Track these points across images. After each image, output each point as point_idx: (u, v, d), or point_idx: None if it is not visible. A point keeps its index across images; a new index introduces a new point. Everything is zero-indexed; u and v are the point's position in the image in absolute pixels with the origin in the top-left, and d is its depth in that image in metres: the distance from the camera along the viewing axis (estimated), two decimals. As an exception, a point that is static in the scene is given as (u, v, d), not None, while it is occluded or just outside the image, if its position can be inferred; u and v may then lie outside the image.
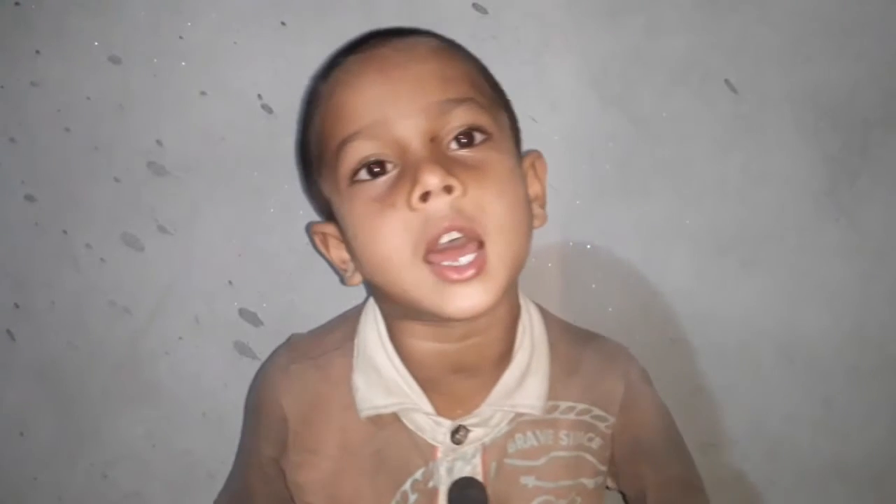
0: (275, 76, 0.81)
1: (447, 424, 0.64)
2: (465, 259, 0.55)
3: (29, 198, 0.84)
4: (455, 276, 0.55)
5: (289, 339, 0.74)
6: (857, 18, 0.82)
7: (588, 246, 0.84)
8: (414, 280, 0.56)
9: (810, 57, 0.82)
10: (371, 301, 0.70)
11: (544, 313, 0.71)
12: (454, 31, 0.75)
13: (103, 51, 0.81)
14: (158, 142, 0.82)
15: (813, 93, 0.82)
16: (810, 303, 0.86)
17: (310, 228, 0.68)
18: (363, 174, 0.58)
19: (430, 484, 0.65)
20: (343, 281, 0.68)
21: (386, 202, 0.56)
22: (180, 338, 0.86)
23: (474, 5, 0.80)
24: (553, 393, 0.66)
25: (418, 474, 0.65)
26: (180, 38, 0.80)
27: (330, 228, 0.65)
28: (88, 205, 0.84)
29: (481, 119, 0.58)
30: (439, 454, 0.65)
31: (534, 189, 0.66)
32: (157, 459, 0.89)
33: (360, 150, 0.57)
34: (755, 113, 0.82)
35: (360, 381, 0.66)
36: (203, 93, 0.81)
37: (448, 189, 0.54)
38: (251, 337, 0.86)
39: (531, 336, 0.67)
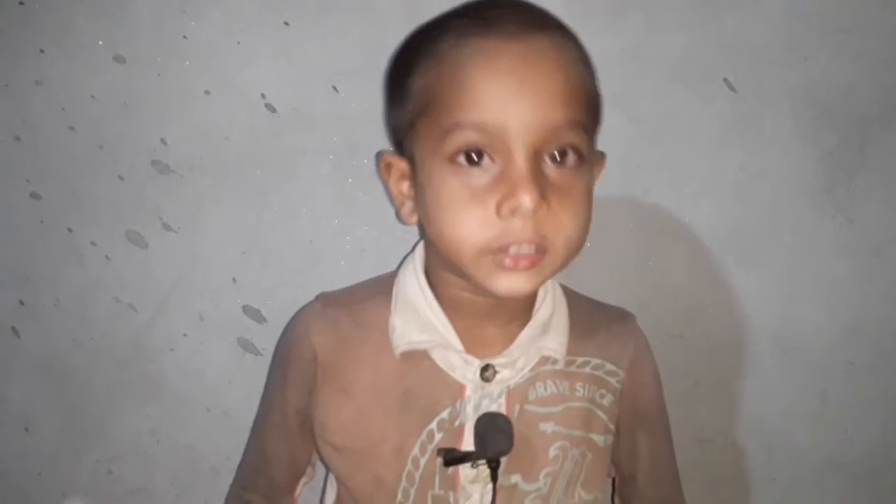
0: (278, 75, 0.81)
1: (476, 363, 0.69)
2: (524, 251, 0.60)
3: (34, 196, 0.85)
4: (510, 263, 0.60)
5: (319, 295, 0.76)
6: (855, 18, 0.82)
7: (588, 243, 0.85)
8: (473, 262, 0.61)
9: (808, 56, 0.83)
10: (412, 256, 0.73)
11: (562, 285, 0.77)
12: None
13: (108, 50, 0.81)
14: (163, 140, 0.83)
15: (811, 91, 0.83)
16: (807, 299, 0.87)
17: (380, 155, 0.70)
18: (461, 158, 0.60)
19: (457, 422, 0.69)
20: (398, 215, 0.69)
21: (476, 196, 0.60)
22: (185, 334, 0.87)
23: (475, 5, 0.80)
24: (571, 348, 0.72)
25: (445, 414, 0.69)
26: (184, 37, 0.81)
27: (401, 164, 0.67)
28: (93, 203, 0.84)
29: (582, 144, 0.62)
30: (467, 392, 0.69)
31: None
32: (161, 455, 0.89)
33: (470, 139, 0.60)
34: (753, 111, 0.83)
35: (397, 320, 0.70)
36: (207, 92, 0.82)
37: (536, 210, 0.59)
38: (255, 333, 0.87)
39: (553, 295, 0.73)
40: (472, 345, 0.69)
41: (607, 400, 0.73)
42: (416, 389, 0.69)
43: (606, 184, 0.83)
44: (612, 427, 0.74)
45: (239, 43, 0.81)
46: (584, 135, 0.62)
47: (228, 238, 0.85)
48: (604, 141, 0.82)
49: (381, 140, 0.82)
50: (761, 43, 0.82)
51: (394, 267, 0.80)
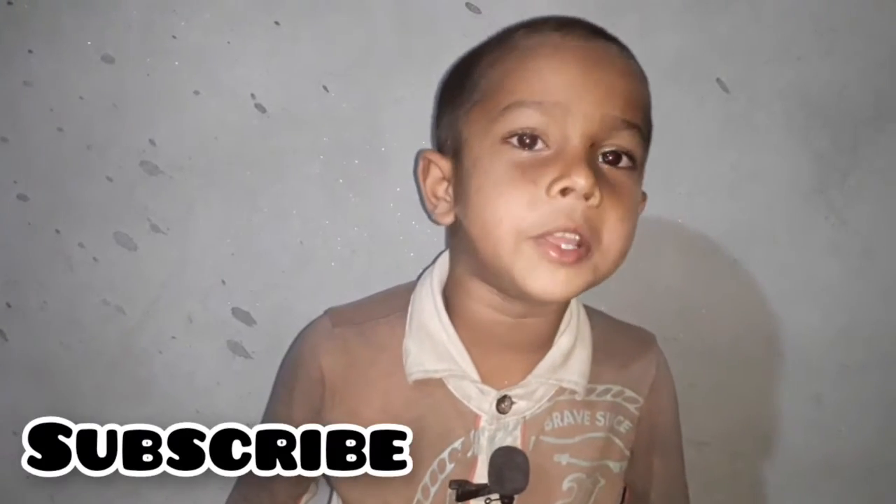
0: (268, 76, 0.81)
1: (493, 393, 0.66)
2: (569, 246, 0.57)
3: (22, 197, 0.84)
4: (554, 254, 0.57)
5: (328, 310, 0.74)
6: (847, 18, 0.82)
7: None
8: (513, 246, 0.58)
9: (801, 56, 0.82)
10: (430, 272, 0.71)
11: (580, 301, 0.74)
12: (447, 31, 0.75)
13: (96, 50, 0.81)
14: (151, 141, 0.82)
15: (803, 92, 0.83)
16: (801, 300, 0.87)
17: (422, 152, 0.68)
18: (514, 140, 0.59)
19: (470, 453, 0.67)
20: (430, 216, 0.68)
21: (527, 175, 0.57)
22: (173, 337, 0.86)
23: (468, 5, 0.80)
24: (592, 375, 0.69)
25: (457, 443, 0.67)
26: (173, 37, 0.80)
27: (443, 163, 0.66)
28: (81, 204, 0.84)
29: (637, 149, 0.61)
30: (482, 423, 0.67)
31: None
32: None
33: (528, 120, 0.58)
34: (746, 112, 0.83)
35: (412, 345, 0.67)
36: (196, 92, 0.81)
37: (587, 196, 0.56)
38: (244, 336, 0.86)
39: (577, 320, 0.70)
40: (489, 373, 0.67)
41: (624, 427, 0.71)
42: (428, 417, 0.67)
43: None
44: (627, 453, 0.72)
45: (229, 43, 0.80)
46: (639, 141, 0.61)
47: (218, 239, 0.84)
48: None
49: (372, 140, 0.81)
50: (754, 43, 0.82)
51: (385, 268, 0.80)
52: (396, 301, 0.71)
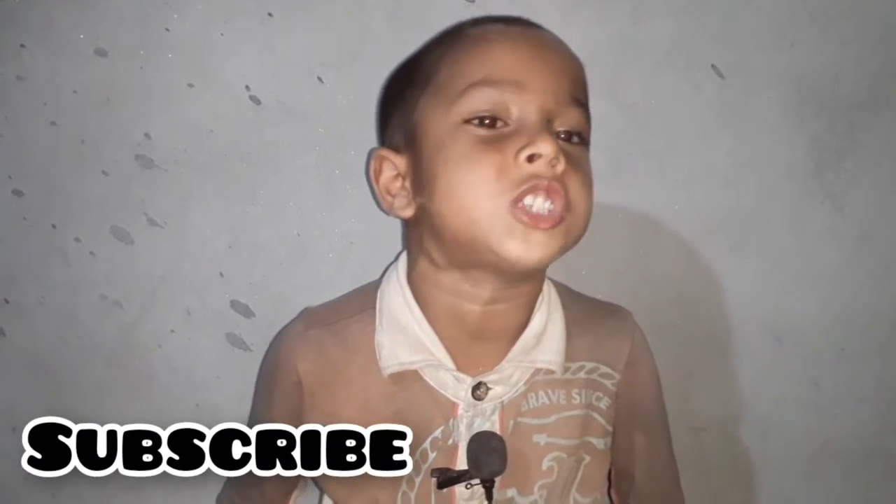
0: (262, 67, 0.81)
1: (468, 381, 0.67)
2: (547, 208, 0.58)
3: (17, 192, 0.84)
4: (527, 219, 0.58)
5: (302, 311, 0.75)
6: (841, 4, 0.82)
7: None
8: (489, 214, 0.58)
9: (796, 42, 0.82)
10: (394, 267, 0.71)
11: (553, 281, 0.74)
12: (443, 20, 0.75)
13: (89, 44, 0.80)
14: (146, 134, 0.82)
15: (798, 77, 0.83)
16: (798, 286, 0.87)
17: (373, 151, 0.69)
18: (475, 121, 0.60)
19: (450, 441, 0.67)
20: (386, 210, 0.68)
21: (493, 146, 0.59)
22: (172, 330, 0.86)
23: (461, -7, 0.80)
24: (566, 354, 0.70)
25: (438, 432, 0.68)
26: (167, 30, 0.80)
27: (397, 159, 0.66)
28: (77, 199, 0.84)
29: (586, 127, 0.64)
30: (460, 410, 0.67)
31: None
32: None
33: (489, 98, 0.60)
34: (741, 97, 0.83)
35: (384, 339, 0.68)
36: (190, 85, 0.81)
37: (554, 163, 0.58)
38: (243, 328, 0.86)
39: (548, 301, 0.70)
40: (463, 361, 0.67)
41: (604, 403, 0.72)
42: (406, 409, 0.68)
43: (595, 172, 0.83)
44: (609, 429, 0.72)
45: (222, 35, 0.80)
46: (586, 120, 0.64)
47: (215, 232, 0.84)
48: (593, 130, 0.82)
49: (367, 131, 0.81)
50: (749, 29, 0.82)
51: (383, 259, 0.79)
52: (366, 298, 0.71)
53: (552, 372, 0.69)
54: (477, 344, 0.67)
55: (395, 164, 0.66)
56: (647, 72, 0.82)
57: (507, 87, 0.60)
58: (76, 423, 0.86)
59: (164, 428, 0.87)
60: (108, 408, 0.88)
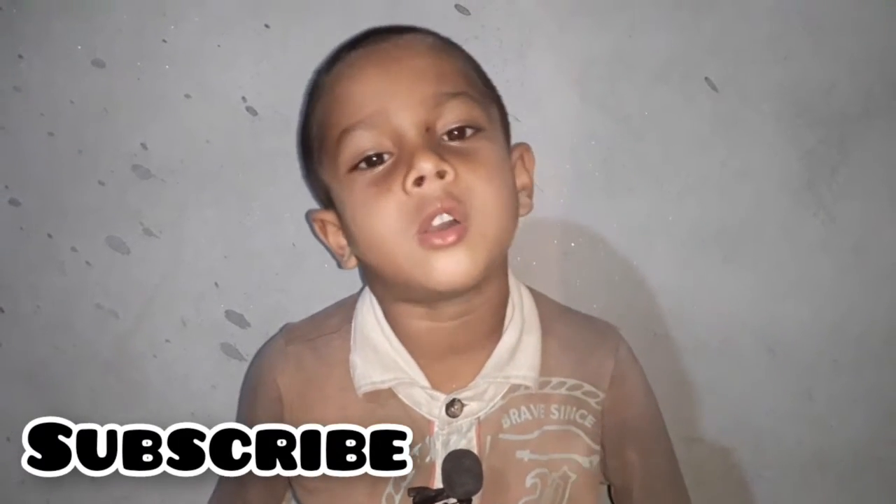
0: (259, 78, 0.81)
1: (442, 398, 0.66)
2: (443, 221, 0.59)
3: (13, 202, 0.84)
4: (438, 241, 0.58)
5: (283, 327, 0.76)
6: (835, 17, 0.82)
7: (572, 244, 0.85)
8: (405, 254, 0.59)
9: (789, 54, 0.83)
10: (367, 287, 0.72)
11: (536, 294, 0.74)
12: (439, 32, 0.75)
13: (87, 54, 0.81)
14: (143, 145, 0.82)
15: (792, 89, 0.83)
16: (791, 297, 0.87)
17: (309, 215, 0.72)
18: (362, 164, 0.61)
19: (427, 458, 0.67)
20: (339, 265, 0.71)
21: (382, 186, 0.59)
22: (167, 340, 0.86)
23: (457, 6, 0.80)
24: (545, 368, 0.69)
25: (415, 450, 0.67)
26: (164, 41, 0.80)
27: (329, 216, 0.68)
28: (73, 208, 0.84)
29: (474, 112, 0.62)
30: (435, 428, 0.67)
31: (521, 180, 0.69)
32: (145, 462, 0.88)
33: (360, 141, 0.60)
34: (735, 110, 0.83)
35: (357, 359, 0.68)
36: (187, 95, 0.81)
37: (441, 174, 0.58)
38: (238, 338, 0.86)
39: (521, 311, 0.70)
40: (437, 378, 0.67)
41: (588, 421, 0.70)
42: None
43: (590, 184, 0.84)
44: (596, 447, 0.71)
45: (219, 46, 0.81)
46: (473, 105, 0.62)
47: (210, 242, 0.84)
48: (587, 140, 0.83)
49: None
50: (742, 42, 0.83)
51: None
52: (345, 313, 0.72)
53: (528, 387, 0.68)
54: (450, 358, 0.67)
55: (330, 222, 0.69)
56: (642, 84, 0.83)
57: (370, 121, 0.60)
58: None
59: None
60: (103, 417, 0.87)
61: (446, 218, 0.58)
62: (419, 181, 0.58)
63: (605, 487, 0.80)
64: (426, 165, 0.57)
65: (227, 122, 0.82)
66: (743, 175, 0.84)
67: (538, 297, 0.73)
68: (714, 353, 0.88)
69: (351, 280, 0.82)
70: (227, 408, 0.86)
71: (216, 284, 0.85)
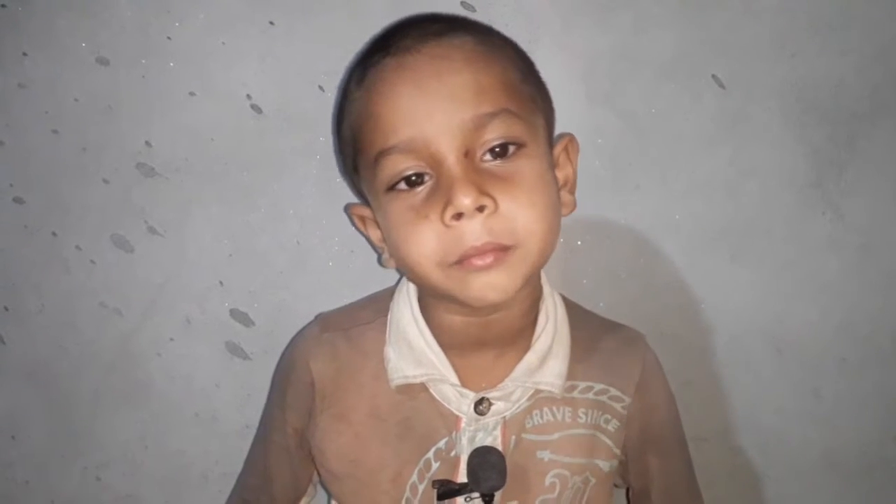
0: (263, 76, 0.81)
1: (471, 396, 0.67)
2: (489, 256, 0.59)
3: (18, 200, 0.84)
4: (478, 262, 0.58)
5: (318, 316, 0.76)
6: (842, 14, 0.82)
7: (578, 242, 0.85)
8: (441, 276, 0.60)
9: (796, 52, 0.82)
10: (405, 280, 0.72)
11: (566, 300, 0.74)
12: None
13: (91, 52, 0.81)
14: (147, 143, 0.82)
15: (799, 87, 0.83)
16: (799, 295, 0.87)
17: (348, 209, 0.72)
18: (402, 185, 0.60)
19: (453, 453, 0.68)
20: (380, 261, 0.70)
21: (420, 213, 0.59)
22: (172, 339, 0.86)
23: (463, 3, 0.80)
24: (572, 373, 0.70)
25: (442, 443, 0.68)
26: (168, 38, 0.80)
27: (367, 212, 0.69)
28: (78, 207, 0.84)
29: (515, 130, 0.60)
30: (462, 424, 0.68)
31: (564, 173, 0.68)
32: (150, 461, 0.88)
33: (398, 165, 0.59)
34: (742, 107, 0.83)
35: (392, 352, 0.69)
36: (192, 93, 0.81)
37: (481, 209, 0.57)
38: (242, 337, 0.86)
39: (554, 321, 0.70)
40: (467, 375, 0.68)
41: (612, 426, 0.71)
42: (413, 419, 0.69)
43: (596, 181, 0.83)
44: (617, 452, 0.72)
45: (224, 43, 0.80)
46: (515, 122, 0.60)
47: (215, 241, 0.84)
48: (593, 138, 0.82)
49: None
50: (750, 39, 0.82)
51: (382, 269, 0.79)
52: (380, 305, 0.73)
53: (553, 392, 0.69)
54: (481, 354, 0.68)
55: (371, 217, 0.69)
56: (648, 81, 0.82)
57: (407, 146, 0.58)
58: (74, 429, 0.87)
59: (160, 435, 0.87)
60: (107, 416, 0.88)
61: (488, 259, 0.59)
62: (458, 216, 0.57)
63: (621, 490, 0.80)
64: (465, 201, 0.56)
65: (232, 120, 0.81)
66: (750, 173, 0.84)
67: (569, 305, 0.74)
68: (721, 352, 0.87)
69: (357, 279, 0.82)
70: (231, 406, 0.86)
71: (221, 283, 0.85)
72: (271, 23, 0.80)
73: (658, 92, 0.82)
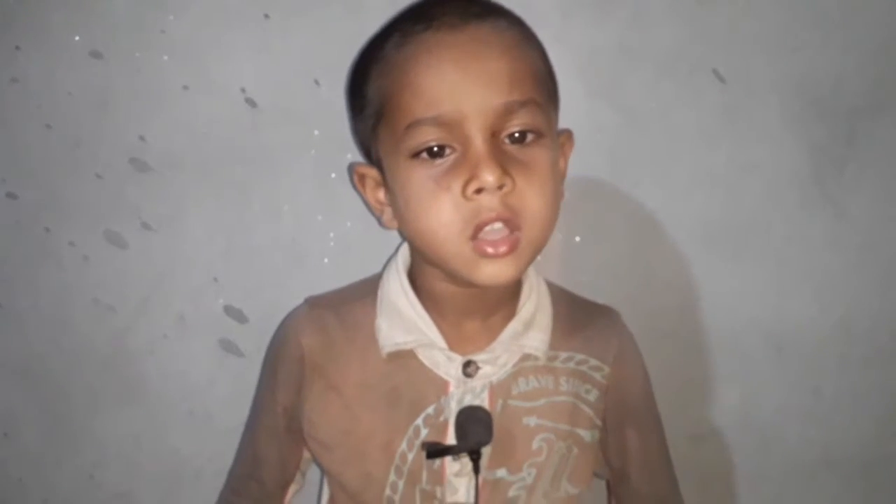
0: (258, 70, 0.80)
1: (459, 359, 0.70)
2: (501, 234, 0.61)
3: (10, 195, 0.83)
4: (491, 250, 0.61)
5: (307, 298, 0.77)
6: (843, 9, 0.82)
7: (577, 238, 0.84)
8: (455, 252, 0.62)
9: (797, 47, 0.82)
10: (394, 258, 0.75)
11: (547, 281, 0.78)
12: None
13: (84, 46, 0.80)
14: (141, 137, 0.81)
15: (800, 82, 0.82)
16: (798, 293, 0.86)
17: (352, 167, 0.72)
18: (424, 154, 0.62)
19: (442, 417, 0.70)
20: (380, 222, 0.71)
21: (442, 184, 0.61)
22: (165, 336, 0.85)
23: (460, -3, 0.79)
24: (554, 344, 0.73)
25: (431, 409, 0.71)
26: (162, 32, 0.79)
27: (373, 172, 0.69)
28: (71, 202, 0.83)
29: (538, 120, 0.63)
30: (451, 388, 0.70)
31: (559, 166, 0.71)
32: (144, 459, 0.88)
33: (428, 135, 0.61)
34: (743, 103, 0.82)
35: (383, 323, 0.72)
36: (186, 87, 0.80)
37: (500, 187, 0.60)
38: (236, 334, 0.85)
39: (537, 293, 0.74)
40: (455, 341, 0.71)
41: (592, 395, 0.74)
42: (402, 387, 0.71)
43: (595, 177, 0.83)
44: (598, 422, 0.74)
45: (218, 37, 0.80)
46: (538, 112, 0.63)
47: (209, 237, 0.83)
48: (592, 133, 0.82)
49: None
50: (750, 34, 0.82)
51: (379, 264, 0.79)
52: (369, 286, 0.75)
53: (538, 358, 0.72)
54: (469, 322, 0.71)
55: (373, 178, 0.70)
56: (649, 76, 0.82)
57: (441, 119, 0.61)
58: (68, 426, 0.86)
59: (154, 432, 0.87)
60: (101, 413, 0.87)
61: (498, 226, 0.61)
62: (479, 190, 0.60)
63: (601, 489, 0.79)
64: (490, 178, 0.59)
65: (227, 115, 0.81)
66: (750, 169, 0.84)
67: (548, 282, 0.77)
68: (721, 349, 0.87)
69: (351, 275, 0.81)
70: (226, 403, 0.85)
71: (215, 279, 0.84)
72: (266, 16, 0.79)
73: (658, 87, 0.82)
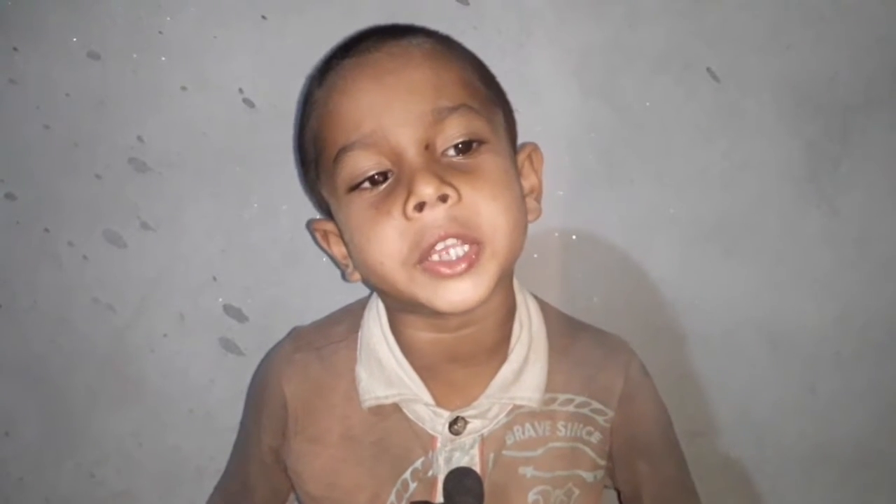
0: (256, 70, 0.80)
1: (445, 415, 0.65)
2: (456, 253, 0.57)
3: (9, 196, 0.83)
4: (447, 270, 0.56)
5: (292, 331, 0.75)
6: (837, 6, 0.82)
7: (573, 236, 0.85)
8: (406, 281, 0.58)
9: (791, 44, 0.82)
10: (375, 297, 0.71)
11: (543, 305, 0.72)
12: (435, 23, 0.74)
13: (82, 47, 0.80)
14: (139, 138, 0.82)
15: (794, 80, 0.83)
16: (794, 290, 0.87)
17: (310, 225, 0.70)
18: (364, 183, 0.59)
19: (430, 473, 0.66)
20: (344, 277, 0.69)
21: (381, 210, 0.57)
22: (165, 335, 0.85)
23: (455, -3, 0.80)
24: (551, 385, 0.67)
25: (418, 463, 0.67)
26: (160, 32, 0.80)
27: (330, 226, 0.67)
28: (70, 202, 0.83)
29: (475, 124, 0.59)
30: (438, 444, 0.66)
31: (529, 182, 0.67)
32: (144, 457, 0.88)
33: (358, 161, 0.58)
34: (737, 101, 0.82)
35: (363, 372, 0.67)
36: (184, 88, 0.81)
37: (443, 198, 0.56)
38: (236, 333, 0.85)
39: (529, 329, 0.68)
40: (441, 393, 0.66)
41: (595, 438, 0.69)
42: (387, 440, 0.67)
43: (590, 175, 0.83)
44: (601, 462, 0.70)
45: (216, 37, 0.80)
46: (475, 118, 0.59)
47: (208, 236, 0.84)
48: (587, 132, 0.82)
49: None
50: (744, 32, 0.82)
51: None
52: (354, 320, 0.71)
53: (532, 408, 0.67)
54: (455, 370, 0.66)
55: (334, 232, 0.67)
56: (642, 74, 0.82)
57: (367, 140, 0.57)
58: (68, 425, 0.86)
59: (155, 431, 0.87)
60: (101, 412, 0.87)
61: (451, 242, 0.56)
62: (420, 206, 0.55)
63: (610, 491, 0.80)
64: (427, 190, 0.55)
65: (224, 115, 0.81)
66: (744, 167, 0.84)
67: (547, 311, 0.71)
68: (716, 346, 0.87)
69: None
70: (226, 402, 0.85)
71: (214, 278, 0.84)
72: (264, 17, 0.80)
73: (652, 85, 0.82)
